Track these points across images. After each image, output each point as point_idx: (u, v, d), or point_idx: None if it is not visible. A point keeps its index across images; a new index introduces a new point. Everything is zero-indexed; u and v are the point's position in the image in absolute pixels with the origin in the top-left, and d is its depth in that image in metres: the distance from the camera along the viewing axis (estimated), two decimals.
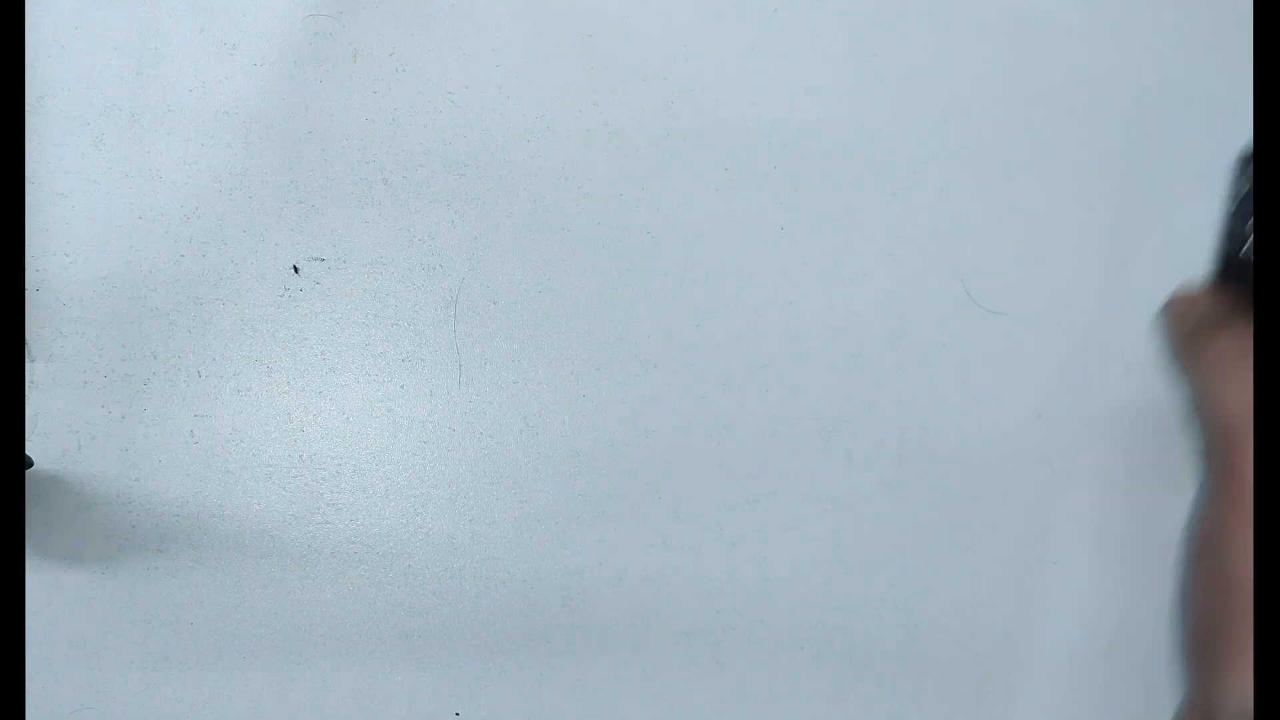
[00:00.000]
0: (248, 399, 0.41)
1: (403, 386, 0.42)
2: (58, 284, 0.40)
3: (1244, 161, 0.37)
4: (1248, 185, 0.37)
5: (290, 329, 0.42)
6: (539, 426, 0.42)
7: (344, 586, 0.42)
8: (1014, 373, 0.45)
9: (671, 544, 0.43)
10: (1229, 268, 0.38)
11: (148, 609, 0.40)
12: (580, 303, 0.43)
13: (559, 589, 0.43)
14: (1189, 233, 0.46)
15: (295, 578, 0.39)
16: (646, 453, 0.43)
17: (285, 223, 0.41)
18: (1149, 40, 0.46)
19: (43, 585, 0.40)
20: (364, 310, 0.42)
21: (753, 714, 0.43)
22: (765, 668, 0.43)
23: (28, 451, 0.40)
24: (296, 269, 0.42)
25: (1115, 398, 0.46)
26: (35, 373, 0.40)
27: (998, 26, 0.45)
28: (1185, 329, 0.40)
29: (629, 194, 0.43)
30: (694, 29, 0.43)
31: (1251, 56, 0.46)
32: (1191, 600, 0.35)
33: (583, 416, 0.42)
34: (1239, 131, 0.46)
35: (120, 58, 0.40)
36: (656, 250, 0.43)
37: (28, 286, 0.39)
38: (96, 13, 0.40)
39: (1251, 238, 0.37)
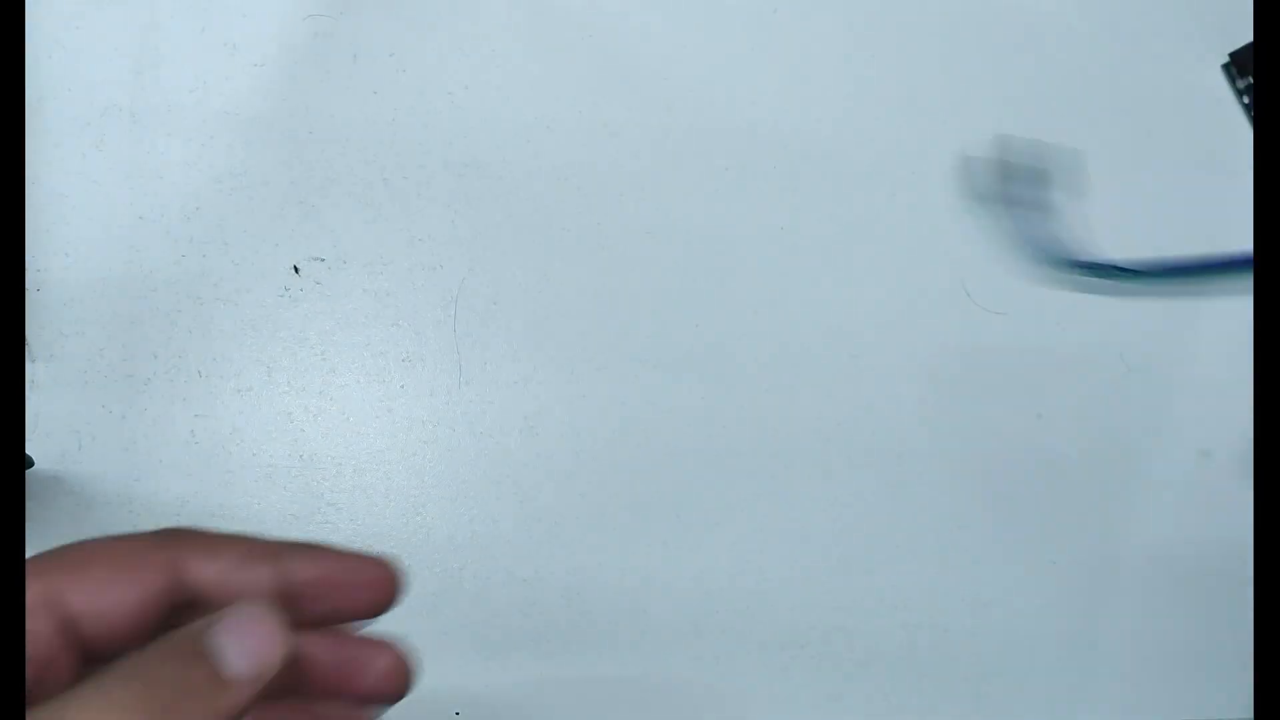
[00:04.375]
0: (248, 399, 0.41)
1: (403, 386, 0.42)
2: (58, 284, 0.40)
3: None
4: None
5: (291, 329, 0.42)
6: (539, 426, 0.42)
7: None
8: (1013, 373, 0.45)
9: (672, 544, 0.43)
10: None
11: None
12: (580, 303, 0.43)
13: (559, 589, 0.43)
14: (1190, 232, 0.47)
15: None
16: (647, 453, 0.43)
17: (285, 223, 0.41)
18: (1149, 40, 0.46)
19: None
20: (364, 310, 0.42)
21: (753, 715, 0.43)
22: (766, 668, 0.43)
23: (28, 451, 0.40)
24: (297, 269, 0.42)
25: (1114, 398, 0.46)
26: (36, 373, 0.40)
27: (998, 26, 0.45)
28: None
29: (629, 194, 0.43)
30: (694, 29, 0.43)
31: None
32: None
33: (583, 416, 0.42)
34: (1240, 131, 0.46)
35: (120, 58, 0.40)
36: (656, 250, 0.43)
37: (28, 287, 0.39)
38: (96, 13, 0.40)
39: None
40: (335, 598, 0.33)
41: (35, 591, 0.30)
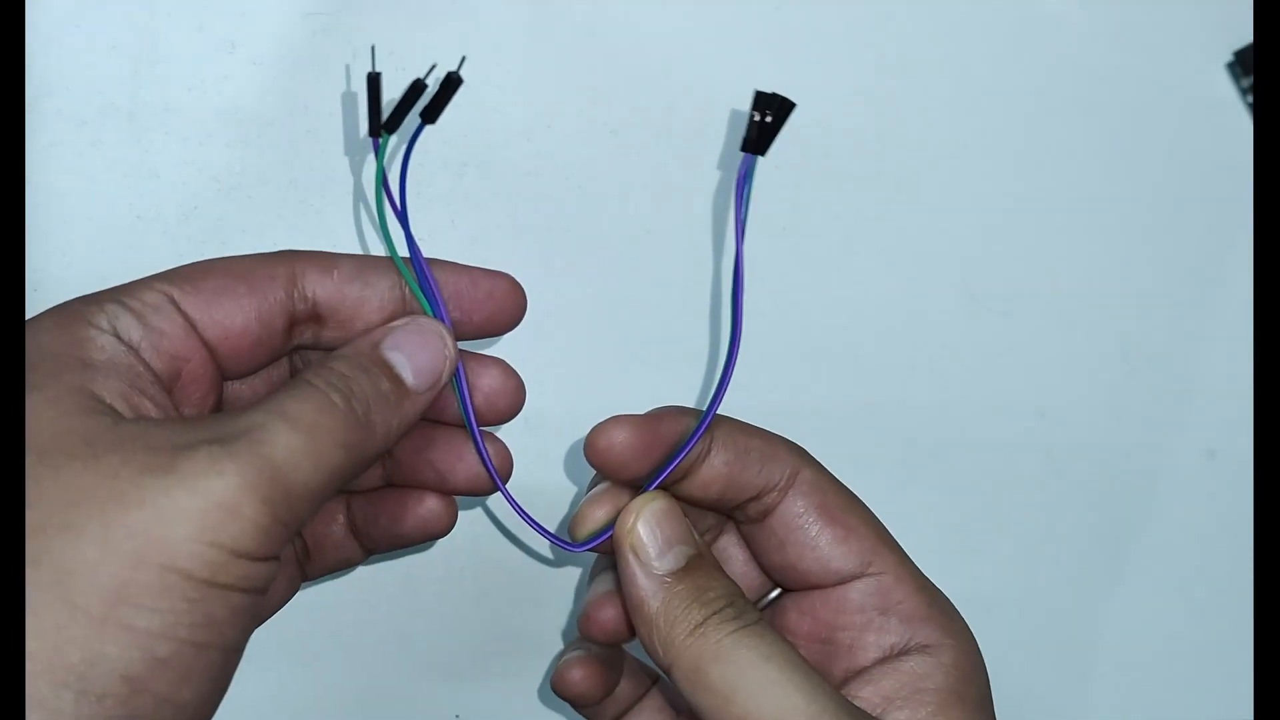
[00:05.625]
0: None
1: None
2: (56, 283, 0.40)
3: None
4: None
5: None
6: (539, 426, 0.42)
7: (344, 589, 0.42)
8: (1016, 373, 0.45)
9: None
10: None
11: None
12: (580, 303, 0.43)
13: (560, 590, 0.43)
14: (1192, 232, 0.47)
15: None
16: None
17: (285, 222, 0.41)
18: (1153, 38, 0.46)
19: None
20: None
21: None
22: None
23: None
24: None
25: (1118, 397, 0.46)
26: None
27: (1001, 24, 0.45)
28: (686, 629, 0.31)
29: (629, 194, 0.43)
30: (695, 28, 0.43)
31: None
32: None
33: (583, 416, 0.42)
34: (1241, 130, 0.46)
35: (118, 57, 0.39)
36: (656, 250, 0.43)
37: (26, 287, 0.39)
38: (93, 11, 0.39)
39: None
40: (457, 309, 0.34)
41: (153, 293, 0.31)
